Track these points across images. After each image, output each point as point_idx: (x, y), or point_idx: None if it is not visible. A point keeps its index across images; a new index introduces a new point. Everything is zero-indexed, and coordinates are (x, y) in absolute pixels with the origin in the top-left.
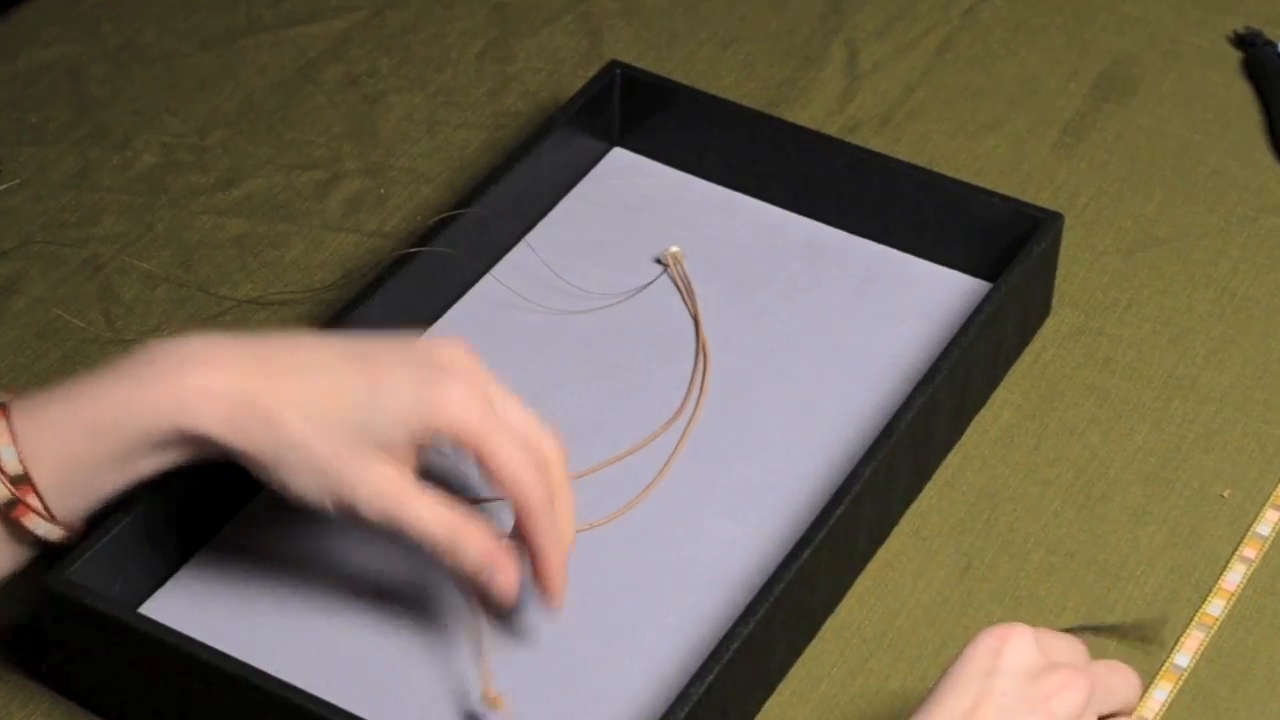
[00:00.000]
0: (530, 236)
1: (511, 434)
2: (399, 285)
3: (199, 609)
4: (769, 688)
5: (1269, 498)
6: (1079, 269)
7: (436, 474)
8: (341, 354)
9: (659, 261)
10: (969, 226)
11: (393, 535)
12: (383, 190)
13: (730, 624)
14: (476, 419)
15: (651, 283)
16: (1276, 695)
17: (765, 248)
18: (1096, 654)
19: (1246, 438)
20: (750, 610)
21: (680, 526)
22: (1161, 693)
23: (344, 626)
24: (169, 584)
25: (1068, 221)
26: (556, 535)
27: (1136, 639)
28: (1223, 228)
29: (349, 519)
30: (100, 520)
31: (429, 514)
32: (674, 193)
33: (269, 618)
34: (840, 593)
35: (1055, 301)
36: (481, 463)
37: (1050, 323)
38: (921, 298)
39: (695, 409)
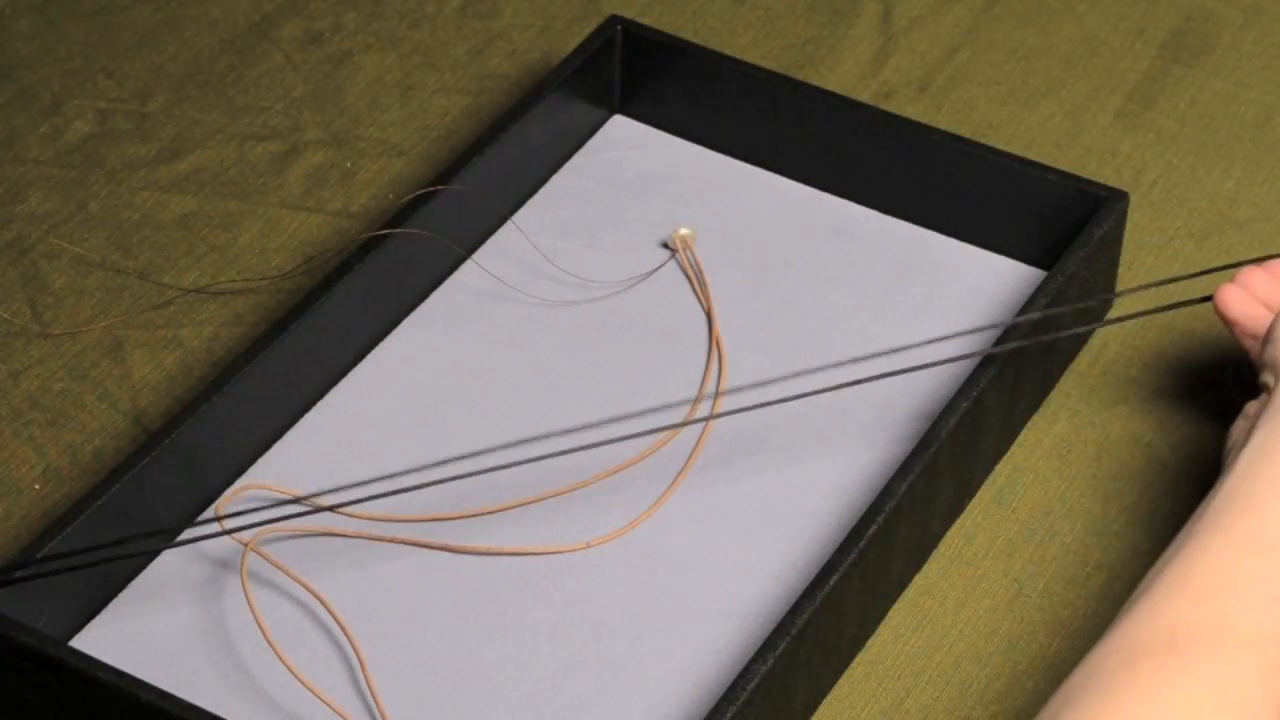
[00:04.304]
0: (518, 216)
1: None
2: (367, 272)
3: (136, 642)
4: None
5: None
6: (1146, 255)
7: None
8: None
9: (666, 246)
10: (1020, 206)
11: None
12: (349, 164)
13: (747, 660)
14: None
15: (657, 270)
16: None
17: (787, 230)
18: None
19: None
20: (770, 644)
21: (689, 548)
22: None
23: (289, 663)
24: (102, 615)
25: (1133, 201)
26: None
27: None
28: None
29: None
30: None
31: None
32: (683, 167)
33: (212, 651)
34: (872, 624)
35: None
36: None
37: (1113, 316)
38: (965, 287)
39: (708, 414)
